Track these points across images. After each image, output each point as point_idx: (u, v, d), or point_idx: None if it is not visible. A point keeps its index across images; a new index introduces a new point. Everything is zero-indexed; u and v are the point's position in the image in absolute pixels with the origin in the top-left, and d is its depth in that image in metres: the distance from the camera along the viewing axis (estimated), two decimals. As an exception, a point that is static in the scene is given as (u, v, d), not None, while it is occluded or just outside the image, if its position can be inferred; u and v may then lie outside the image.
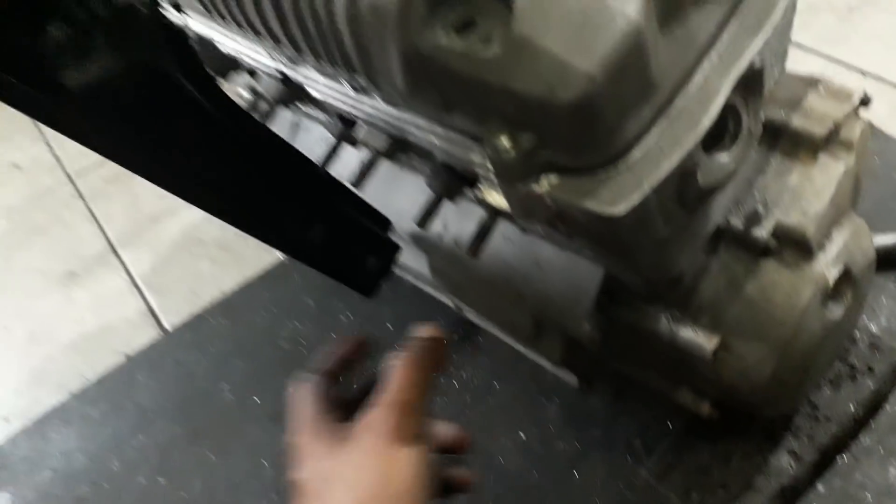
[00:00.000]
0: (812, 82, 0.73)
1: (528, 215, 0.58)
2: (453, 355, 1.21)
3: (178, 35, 0.51)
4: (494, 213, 0.63)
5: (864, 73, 1.48)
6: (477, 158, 0.60)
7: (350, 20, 0.56)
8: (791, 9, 0.56)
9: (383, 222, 0.71)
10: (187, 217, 1.60)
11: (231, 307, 1.39)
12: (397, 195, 0.92)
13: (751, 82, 0.53)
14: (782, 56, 0.60)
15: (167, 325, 1.41)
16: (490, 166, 0.55)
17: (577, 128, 0.48)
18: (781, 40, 0.57)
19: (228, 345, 1.32)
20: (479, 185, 0.62)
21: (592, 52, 0.45)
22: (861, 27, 1.59)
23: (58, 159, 1.82)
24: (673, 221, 0.56)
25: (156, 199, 1.66)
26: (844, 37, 1.57)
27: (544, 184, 0.53)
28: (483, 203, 0.62)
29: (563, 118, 0.48)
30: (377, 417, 0.51)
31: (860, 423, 0.87)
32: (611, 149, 0.50)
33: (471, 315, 1.11)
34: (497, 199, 0.62)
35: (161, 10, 0.50)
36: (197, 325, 1.38)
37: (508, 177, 0.54)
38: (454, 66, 0.51)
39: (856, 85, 0.73)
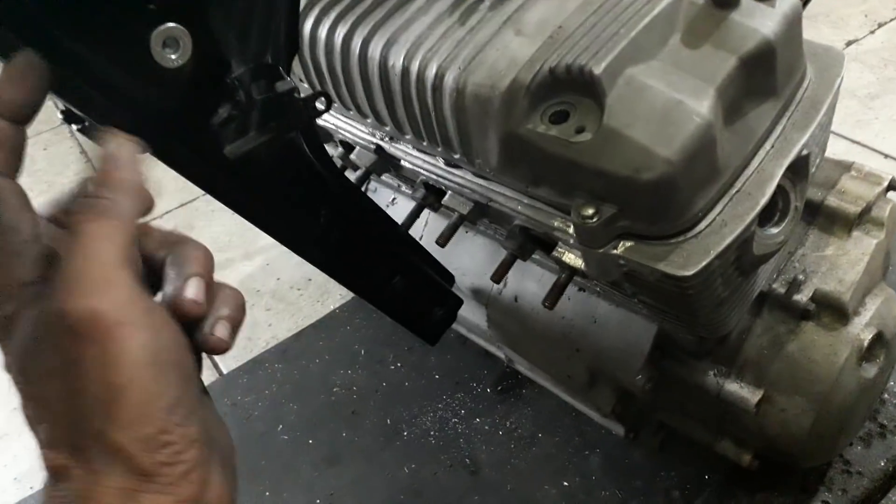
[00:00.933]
0: (846, 166, 0.82)
1: (602, 274, 0.67)
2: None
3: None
4: (571, 271, 0.72)
5: (885, 155, 1.58)
6: (557, 223, 0.70)
7: (456, 109, 0.67)
8: (832, 108, 0.66)
9: (449, 277, 0.79)
10: (244, 269, 1.70)
11: (286, 353, 1.47)
12: (460, 255, 1.02)
13: (798, 168, 0.63)
14: (823, 145, 0.70)
15: (224, 369, 1.50)
16: (573, 231, 0.64)
17: (656, 202, 0.58)
18: (823, 132, 0.67)
19: (284, 389, 1.40)
20: (558, 248, 0.71)
21: (672, 141, 0.56)
22: (882, 113, 1.71)
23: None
24: (730, 284, 0.65)
25: (213, 251, 1.76)
26: (866, 122, 1.68)
27: (621, 248, 0.63)
28: (560, 262, 0.71)
29: (645, 194, 0.57)
30: (64, 307, 0.34)
31: (891, 478, 0.93)
32: (682, 221, 0.60)
33: (521, 367, 1.19)
34: (572, 258, 0.71)
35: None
36: (253, 369, 1.46)
37: (590, 241, 0.63)
38: (549, 149, 0.61)
39: (877, 167, 0.83)
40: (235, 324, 0.42)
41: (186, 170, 0.56)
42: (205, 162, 0.56)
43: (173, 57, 0.46)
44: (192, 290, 0.41)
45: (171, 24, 0.45)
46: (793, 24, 0.61)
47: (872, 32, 1.99)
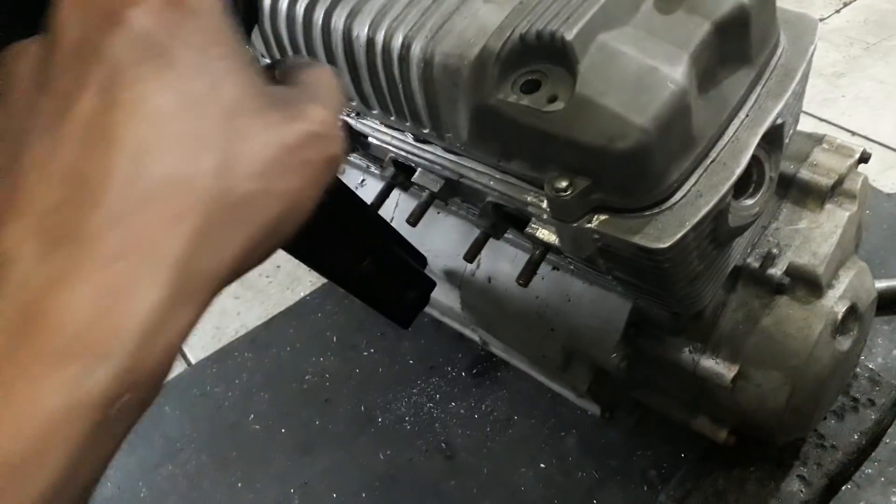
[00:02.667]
0: (817, 139, 0.82)
1: (577, 249, 0.65)
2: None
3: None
4: (545, 247, 0.71)
5: (852, 133, 1.59)
6: (530, 198, 0.68)
7: (424, 81, 0.65)
8: (805, 76, 0.65)
9: (421, 259, 0.77)
10: (212, 256, 1.66)
11: (255, 342, 1.44)
12: (433, 236, 1.00)
13: (773, 138, 0.62)
14: (797, 115, 0.69)
15: (192, 359, 1.46)
16: (547, 205, 0.63)
17: (631, 172, 0.57)
18: (797, 102, 0.66)
19: (254, 378, 1.37)
20: (531, 224, 0.70)
21: (646, 109, 0.54)
22: (848, 91, 1.72)
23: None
24: (705, 258, 0.64)
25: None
26: (832, 100, 1.70)
27: (595, 221, 0.61)
28: (533, 238, 0.70)
29: (619, 164, 0.56)
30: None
31: (864, 452, 0.94)
32: (657, 192, 0.58)
33: (496, 349, 1.17)
34: (545, 234, 0.70)
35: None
36: (222, 358, 1.43)
37: (564, 215, 0.62)
38: (521, 120, 0.59)
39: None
40: None
41: None
42: None
43: None
44: None
45: None
46: (766, -10, 0.60)
47: (838, 11, 2.00)
